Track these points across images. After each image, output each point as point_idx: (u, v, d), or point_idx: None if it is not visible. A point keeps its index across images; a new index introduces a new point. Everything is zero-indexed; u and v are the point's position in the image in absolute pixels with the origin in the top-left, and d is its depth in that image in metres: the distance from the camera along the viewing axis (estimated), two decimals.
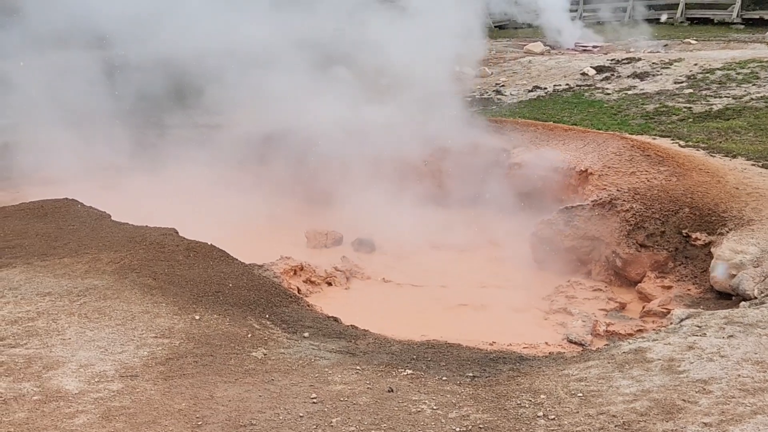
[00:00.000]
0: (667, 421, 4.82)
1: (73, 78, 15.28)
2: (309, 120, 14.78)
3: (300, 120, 14.83)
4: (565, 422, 4.92)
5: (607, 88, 18.77)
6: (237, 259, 8.76)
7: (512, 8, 31.30)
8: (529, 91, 19.60)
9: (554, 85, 19.82)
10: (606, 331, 8.47)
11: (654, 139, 13.60)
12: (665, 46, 25.51)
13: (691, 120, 15.30)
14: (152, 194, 12.76)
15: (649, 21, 34.23)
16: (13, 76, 15.34)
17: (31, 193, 12.02)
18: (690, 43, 25.52)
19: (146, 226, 9.52)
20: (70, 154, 14.46)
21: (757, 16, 31.88)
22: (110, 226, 9.67)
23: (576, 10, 31.71)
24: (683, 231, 9.65)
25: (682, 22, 32.76)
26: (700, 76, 18.54)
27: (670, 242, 9.74)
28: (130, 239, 9.00)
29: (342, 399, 5.32)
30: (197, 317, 6.90)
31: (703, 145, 12.93)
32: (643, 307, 9.08)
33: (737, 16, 31.69)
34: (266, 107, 14.76)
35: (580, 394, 5.33)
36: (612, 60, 21.88)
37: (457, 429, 4.88)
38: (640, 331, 8.01)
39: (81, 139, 14.85)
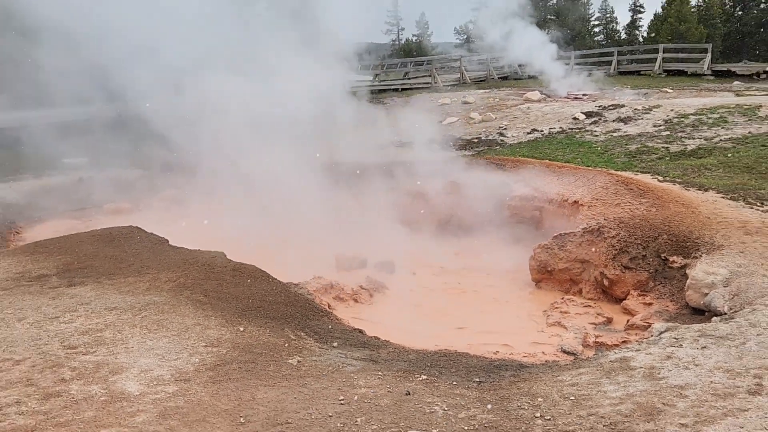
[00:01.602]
0: (648, 422, 4.78)
1: (136, 124, 15.51)
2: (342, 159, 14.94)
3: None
4: (560, 422, 4.89)
5: (595, 131, 18.76)
6: (276, 279, 8.78)
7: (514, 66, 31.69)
8: (528, 133, 19.64)
9: (549, 128, 19.84)
10: (595, 342, 8.40)
11: (636, 174, 13.55)
12: (645, 94, 25.48)
13: (668, 158, 15.25)
14: (204, 222, 12.84)
15: (632, 73, 34.38)
16: (87, 121, 15.61)
17: (102, 221, 12.15)
18: (667, 92, 25.50)
19: (199, 249, 9.58)
20: (134, 188, 14.64)
21: (725, 69, 32.07)
22: (168, 250, 9.74)
23: (568, 64, 31.83)
24: (662, 255, 9.59)
25: (660, 74, 32.80)
26: (675, 121, 18.50)
27: (650, 264, 9.68)
28: (184, 261, 9.06)
29: (366, 401, 5.31)
30: (242, 329, 6.92)
31: (678, 180, 12.87)
32: (627, 321, 9.00)
33: (708, 68, 31.82)
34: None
35: (573, 398, 5.29)
36: (599, 106, 21.89)
37: (466, 428, 4.85)
38: (624, 342, 7.93)
39: (143, 176, 15.04)
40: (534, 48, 28.96)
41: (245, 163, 14.90)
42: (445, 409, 5.17)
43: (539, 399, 5.32)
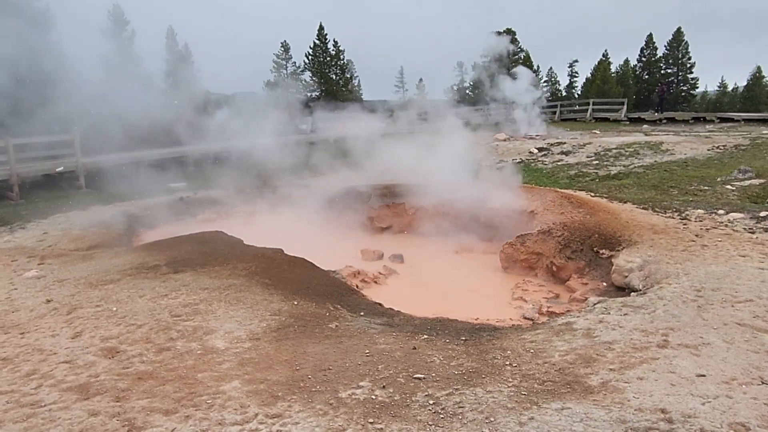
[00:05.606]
0: (586, 368, 4.75)
1: (220, 161, 15.63)
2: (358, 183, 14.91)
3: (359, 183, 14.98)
4: (523, 368, 4.86)
5: (545, 161, 18.71)
6: (319, 267, 8.80)
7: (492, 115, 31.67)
8: (498, 162, 19.58)
9: (512, 159, 19.80)
10: (547, 311, 8.34)
11: (575, 191, 13.49)
12: (580, 134, 25.36)
13: (597, 180, 15.18)
14: (268, 227, 12.88)
15: (570, 120, 34.23)
16: (185, 158, 15.71)
17: (196, 227, 12.19)
18: (596, 133, 25.37)
19: (264, 247, 9.60)
20: (219, 204, 14.72)
21: (637, 116, 32.09)
22: (243, 247, 9.77)
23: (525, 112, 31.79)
24: (594, 248, 9.53)
25: (590, 120, 32.69)
26: (602, 153, 18.43)
27: (586, 255, 9.62)
28: (254, 255, 9.09)
29: (384, 353, 5.30)
30: (296, 303, 6.93)
31: (605, 195, 12.80)
32: (570, 296, 8.94)
33: (624, 116, 31.84)
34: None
35: (532, 351, 5.26)
36: (548, 143, 21.84)
37: (456, 372, 4.84)
38: (568, 311, 7.86)
39: (225, 196, 15.12)
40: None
41: (298, 187, 14.98)
42: (441, 359, 5.15)
43: (508, 351, 5.30)
